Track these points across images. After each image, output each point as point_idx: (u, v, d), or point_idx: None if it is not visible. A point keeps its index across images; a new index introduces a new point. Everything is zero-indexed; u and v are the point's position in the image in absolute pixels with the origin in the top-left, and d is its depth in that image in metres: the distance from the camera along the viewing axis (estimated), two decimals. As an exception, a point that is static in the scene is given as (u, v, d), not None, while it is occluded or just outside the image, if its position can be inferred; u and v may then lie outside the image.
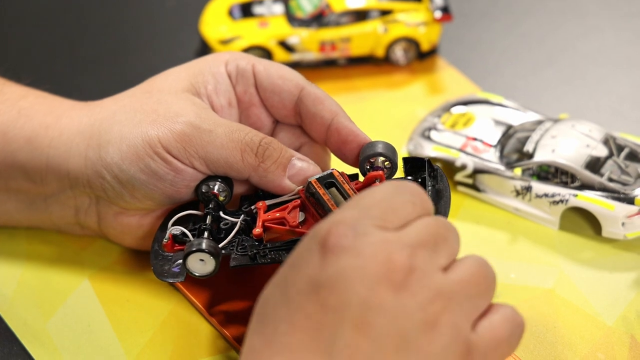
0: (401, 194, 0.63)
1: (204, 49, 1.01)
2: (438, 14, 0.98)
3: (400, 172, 0.76)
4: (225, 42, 0.99)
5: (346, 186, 0.73)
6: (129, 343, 0.77)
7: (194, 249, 0.72)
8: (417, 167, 0.76)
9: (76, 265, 0.82)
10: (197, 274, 0.73)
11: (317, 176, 0.74)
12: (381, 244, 0.60)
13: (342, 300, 0.58)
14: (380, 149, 0.75)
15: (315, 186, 0.73)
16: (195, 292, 0.79)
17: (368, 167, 0.76)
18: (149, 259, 0.76)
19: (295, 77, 0.79)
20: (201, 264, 0.73)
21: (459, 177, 0.88)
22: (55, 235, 0.84)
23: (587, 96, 0.99)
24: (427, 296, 0.59)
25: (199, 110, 0.76)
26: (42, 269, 0.82)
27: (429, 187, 0.74)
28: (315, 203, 0.73)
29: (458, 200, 0.88)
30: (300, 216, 0.74)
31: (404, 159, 0.77)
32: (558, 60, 1.02)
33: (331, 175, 0.74)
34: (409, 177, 0.76)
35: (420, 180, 0.75)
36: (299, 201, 0.75)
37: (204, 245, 0.72)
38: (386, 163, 0.75)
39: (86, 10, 1.08)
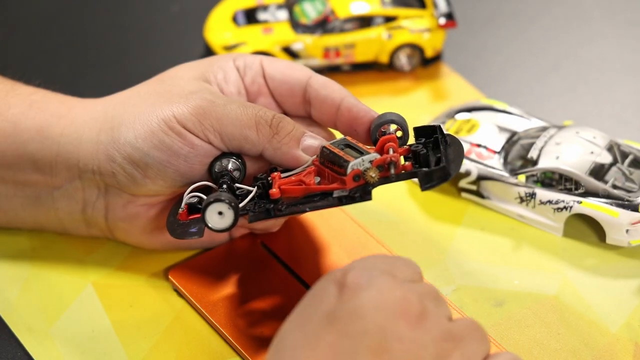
0: (398, 260, 0.67)
1: (208, 54, 1.01)
2: (442, 21, 0.98)
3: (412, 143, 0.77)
4: (229, 48, 0.99)
5: (360, 144, 0.75)
6: (132, 349, 0.77)
7: (213, 199, 0.73)
8: (429, 135, 0.76)
9: (80, 270, 0.82)
10: (214, 227, 0.74)
11: (331, 142, 0.76)
12: (395, 284, 0.63)
13: (361, 327, 0.61)
14: (392, 116, 0.77)
15: (330, 148, 0.74)
16: (199, 297, 0.79)
17: (379, 136, 0.76)
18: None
19: (303, 67, 0.81)
20: (219, 218, 0.74)
21: (463, 183, 0.88)
22: (59, 241, 0.84)
23: (591, 103, 0.99)
24: (439, 334, 0.62)
25: (211, 90, 0.78)
26: (46, 274, 0.82)
27: (442, 149, 0.74)
28: (330, 164, 0.74)
29: (462, 206, 0.88)
30: (315, 180, 0.75)
31: (416, 129, 0.77)
32: (562, 67, 1.02)
33: (344, 139, 0.76)
34: (421, 141, 0.76)
35: (433, 140, 0.75)
36: (313, 168, 0.76)
37: (223, 196, 0.73)
38: (398, 132, 0.76)
39: (90, 15, 1.08)
